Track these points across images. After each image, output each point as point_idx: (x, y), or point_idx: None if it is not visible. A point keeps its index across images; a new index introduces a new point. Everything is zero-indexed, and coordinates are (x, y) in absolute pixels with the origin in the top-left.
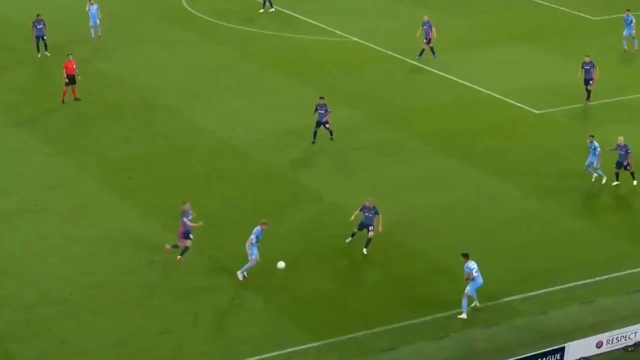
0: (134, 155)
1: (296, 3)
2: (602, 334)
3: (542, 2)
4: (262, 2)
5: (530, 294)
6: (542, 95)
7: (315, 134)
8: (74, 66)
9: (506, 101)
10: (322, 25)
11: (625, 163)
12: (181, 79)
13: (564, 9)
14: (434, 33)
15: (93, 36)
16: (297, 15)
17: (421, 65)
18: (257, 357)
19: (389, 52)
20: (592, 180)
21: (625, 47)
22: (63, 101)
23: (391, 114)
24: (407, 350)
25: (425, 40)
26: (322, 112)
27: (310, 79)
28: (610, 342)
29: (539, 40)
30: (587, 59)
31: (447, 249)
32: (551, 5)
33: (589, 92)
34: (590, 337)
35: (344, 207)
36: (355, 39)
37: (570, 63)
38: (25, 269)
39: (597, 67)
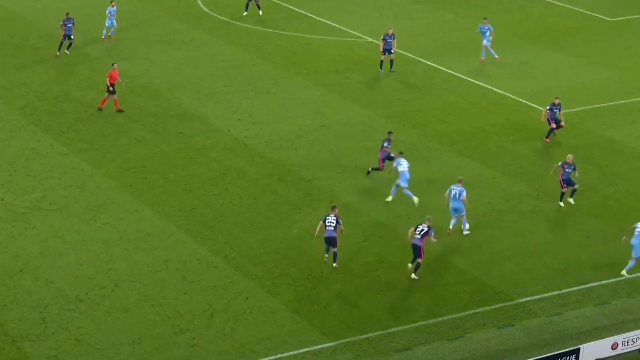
0: (149, 154)
1: (310, 3)
2: (618, 336)
3: (557, 2)
4: (245, 5)
5: (546, 294)
6: (556, 96)
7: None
8: (117, 75)
9: (521, 102)
10: (336, 25)
11: (573, 181)
12: (196, 79)
13: (580, 9)
14: (395, 45)
15: (104, 36)
16: (311, 15)
17: (436, 65)
18: (272, 357)
19: (404, 52)
20: (389, 199)
21: (483, 58)
22: (100, 109)
23: (406, 114)
24: (421, 350)
25: (383, 52)
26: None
27: (325, 79)
28: (626, 343)
29: (554, 41)
30: (556, 101)
31: (462, 248)
32: (567, 5)
33: (554, 129)
34: (606, 339)
35: (359, 208)
36: (369, 39)
37: (586, 64)
38: (41, 268)
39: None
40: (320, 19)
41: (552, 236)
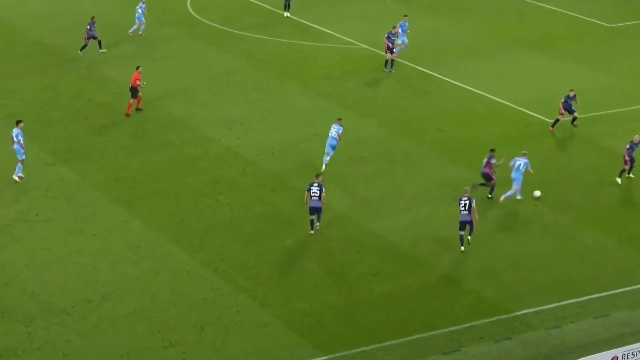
0: (138, 164)
1: (304, 10)
2: (617, 349)
3: (555, 8)
4: (285, 6)
5: (544, 307)
6: (555, 104)
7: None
8: (138, 78)
9: (518, 110)
10: (329, 32)
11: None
12: (187, 86)
13: (578, 15)
14: (396, 45)
15: (131, 32)
16: (304, 22)
17: (432, 72)
18: None
19: (399, 59)
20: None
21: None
22: (127, 114)
23: (401, 123)
24: None
25: (389, 51)
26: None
27: (319, 86)
28: (626, 357)
29: (552, 48)
30: (571, 93)
31: (458, 260)
32: (565, 11)
33: (574, 117)
34: (605, 352)
35: (353, 218)
36: (364, 45)
37: (585, 71)
38: (27, 281)
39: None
40: (314, 25)
41: (550, 247)
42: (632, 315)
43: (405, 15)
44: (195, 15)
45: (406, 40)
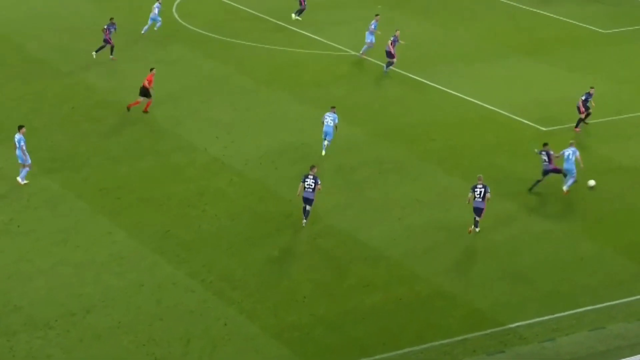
0: (123, 174)
1: (292, 15)
2: None
3: (549, 14)
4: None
5: (538, 319)
6: (548, 112)
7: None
8: (151, 80)
9: (511, 117)
10: (319, 39)
11: None
12: (173, 94)
13: (573, 21)
14: (393, 48)
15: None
16: (293, 29)
17: (424, 80)
18: None
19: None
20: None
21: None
22: (128, 108)
23: (392, 131)
24: None
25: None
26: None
27: (308, 94)
28: None
29: (546, 54)
30: (592, 90)
31: (450, 271)
32: (559, 17)
33: (582, 119)
34: None
35: (342, 229)
36: (354, 52)
37: (579, 78)
38: (9, 293)
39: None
40: (302, 31)
41: (544, 258)
42: (629, 327)
43: (377, 15)
44: (180, 21)
45: (373, 39)
